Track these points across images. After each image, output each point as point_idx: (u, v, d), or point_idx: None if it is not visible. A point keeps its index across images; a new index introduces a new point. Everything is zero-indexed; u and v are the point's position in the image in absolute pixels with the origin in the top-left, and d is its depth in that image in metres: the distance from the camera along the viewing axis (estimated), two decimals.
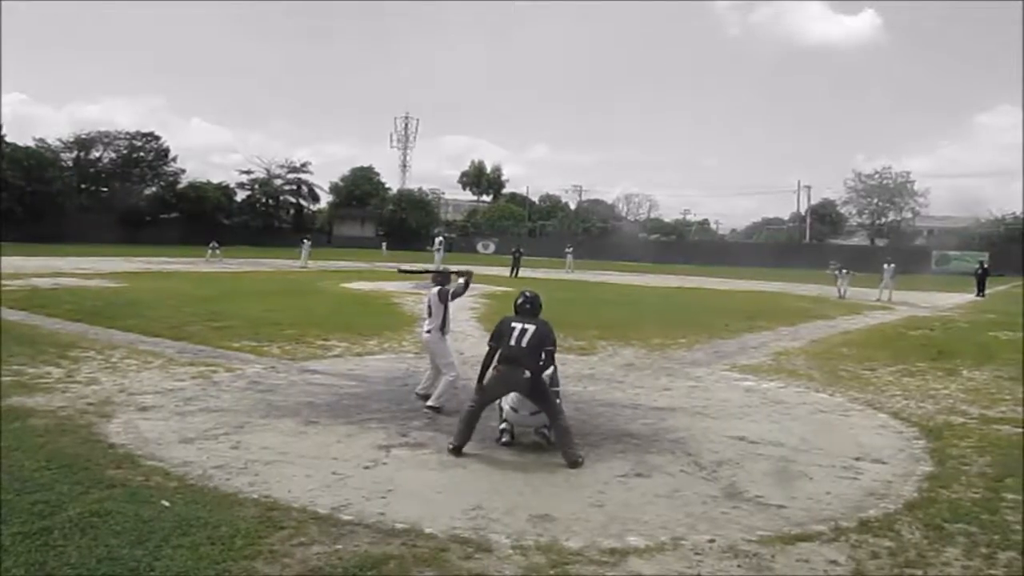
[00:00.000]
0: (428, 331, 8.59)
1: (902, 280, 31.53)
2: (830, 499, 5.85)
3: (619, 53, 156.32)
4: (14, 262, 27.96)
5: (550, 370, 7.13)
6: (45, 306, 16.22)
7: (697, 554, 4.72)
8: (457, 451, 6.67)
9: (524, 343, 6.72)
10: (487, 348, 6.96)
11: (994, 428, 8.30)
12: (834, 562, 4.64)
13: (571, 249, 47.18)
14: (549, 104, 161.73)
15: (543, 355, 6.76)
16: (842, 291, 29.32)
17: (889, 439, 7.76)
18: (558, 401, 7.05)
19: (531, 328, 6.78)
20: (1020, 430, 8.24)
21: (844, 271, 30.04)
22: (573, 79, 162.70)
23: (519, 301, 7.15)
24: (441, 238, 36.21)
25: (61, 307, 16.15)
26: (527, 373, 6.67)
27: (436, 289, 8.58)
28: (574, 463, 6.50)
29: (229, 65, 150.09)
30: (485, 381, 6.91)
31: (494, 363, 6.83)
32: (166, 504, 5.10)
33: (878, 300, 27.61)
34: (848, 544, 4.94)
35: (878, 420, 8.62)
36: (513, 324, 6.86)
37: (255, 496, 5.40)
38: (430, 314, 8.57)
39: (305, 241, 41.40)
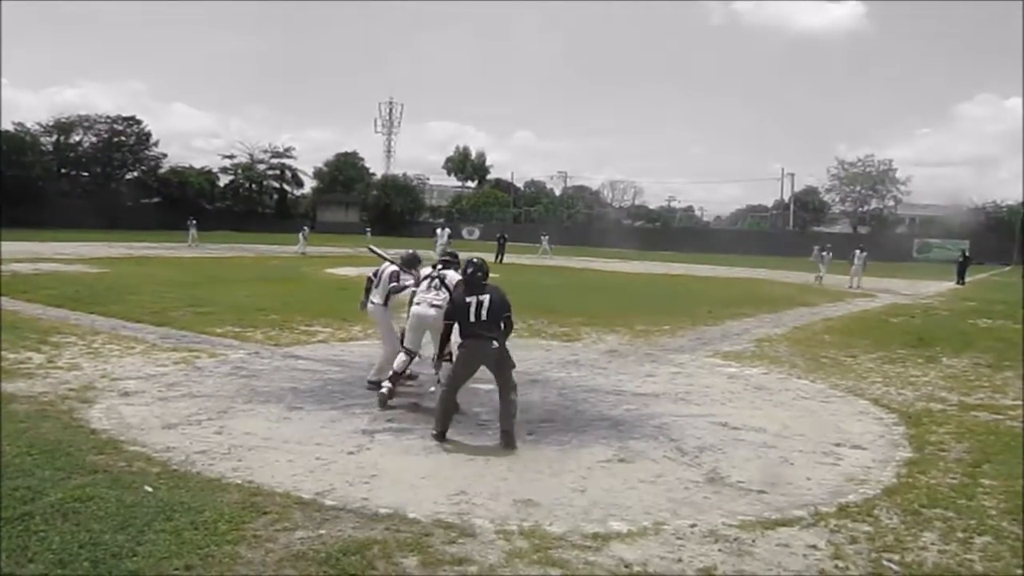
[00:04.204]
0: (373, 302, 8.70)
1: (885, 268, 31.71)
2: (810, 484, 5.92)
3: (603, 40, 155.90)
4: None
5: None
6: (25, 291, 16.09)
7: (679, 538, 4.76)
8: (441, 436, 6.68)
9: (484, 315, 6.70)
10: (443, 325, 7.05)
11: (972, 415, 8.41)
12: (813, 546, 4.70)
13: (546, 236, 49.64)
14: (533, 91, 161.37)
15: (503, 323, 6.80)
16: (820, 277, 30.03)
17: (869, 425, 7.84)
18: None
19: (486, 299, 6.73)
20: (997, 417, 8.36)
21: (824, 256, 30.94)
22: (557, 66, 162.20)
23: (468, 271, 7.02)
24: (448, 230, 32.90)
25: (41, 292, 16.02)
26: (495, 344, 6.68)
27: (393, 268, 8.62)
28: (509, 442, 6.54)
29: (211, 49, 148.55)
30: (454, 363, 6.96)
31: (457, 341, 6.85)
32: (149, 489, 5.09)
33: (857, 288, 27.81)
34: (827, 529, 4.99)
35: (859, 406, 8.70)
36: (467, 299, 6.77)
37: (238, 481, 5.40)
38: (376, 286, 8.70)
39: (304, 229, 41.80)
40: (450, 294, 7.79)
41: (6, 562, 3.97)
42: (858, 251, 29.78)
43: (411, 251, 9.12)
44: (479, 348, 6.70)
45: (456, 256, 8.78)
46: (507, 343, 6.88)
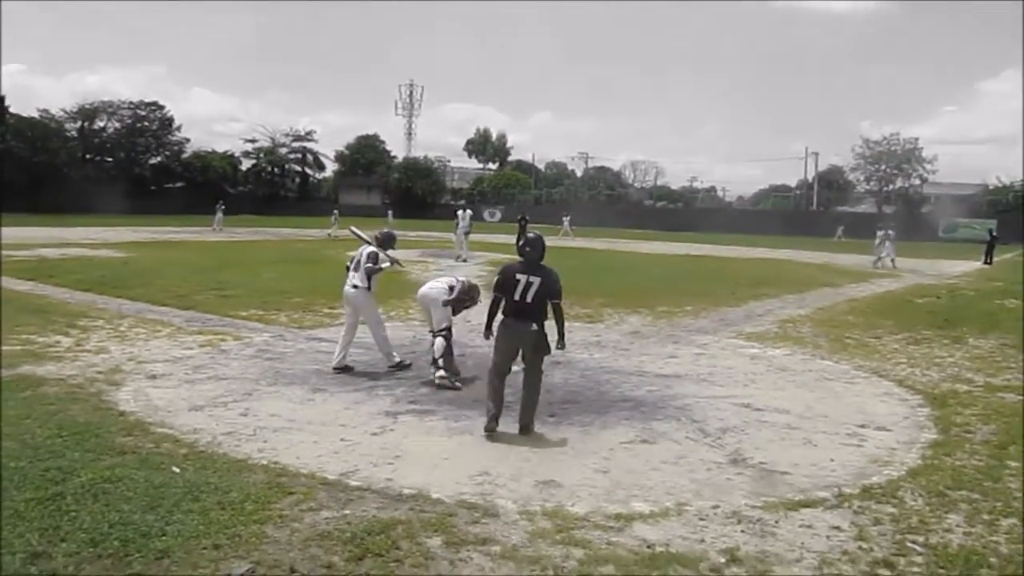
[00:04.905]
0: (355, 286, 8.63)
1: (910, 247, 31.25)
2: (834, 466, 5.89)
3: (623, 19, 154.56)
4: (21, 233, 28.04)
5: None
6: (53, 276, 16.32)
7: (701, 519, 4.76)
8: (493, 431, 6.41)
9: (529, 298, 6.44)
10: (492, 297, 6.77)
11: (998, 396, 8.32)
12: (837, 528, 4.68)
13: (568, 217, 49.47)
14: (553, 71, 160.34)
15: (554, 310, 6.57)
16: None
17: (894, 406, 7.78)
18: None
19: (536, 281, 6.44)
20: None
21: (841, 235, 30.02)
22: (576, 46, 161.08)
23: (520, 243, 6.81)
24: (470, 212, 28.84)
25: (69, 277, 16.24)
26: (534, 326, 6.47)
27: (371, 249, 8.62)
28: (525, 428, 6.49)
29: (229, 33, 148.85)
30: (493, 343, 6.72)
31: (499, 315, 6.67)
32: (176, 470, 5.17)
33: (881, 267, 27.51)
34: (851, 510, 4.98)
35: (883, 387, 8.64)
36: (518, 277, 6.48)
37: (264, 462, 5.47)
38: (356, 268, 8.65)
39: (335, 212, 43.16)
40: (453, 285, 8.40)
41: (39, 541, 4.05)
42: (879, 231, 29.57)
43: (387, 230, 9.13)
44: (517, 328, 6.51)
45: (478, 292, 8.76)
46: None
